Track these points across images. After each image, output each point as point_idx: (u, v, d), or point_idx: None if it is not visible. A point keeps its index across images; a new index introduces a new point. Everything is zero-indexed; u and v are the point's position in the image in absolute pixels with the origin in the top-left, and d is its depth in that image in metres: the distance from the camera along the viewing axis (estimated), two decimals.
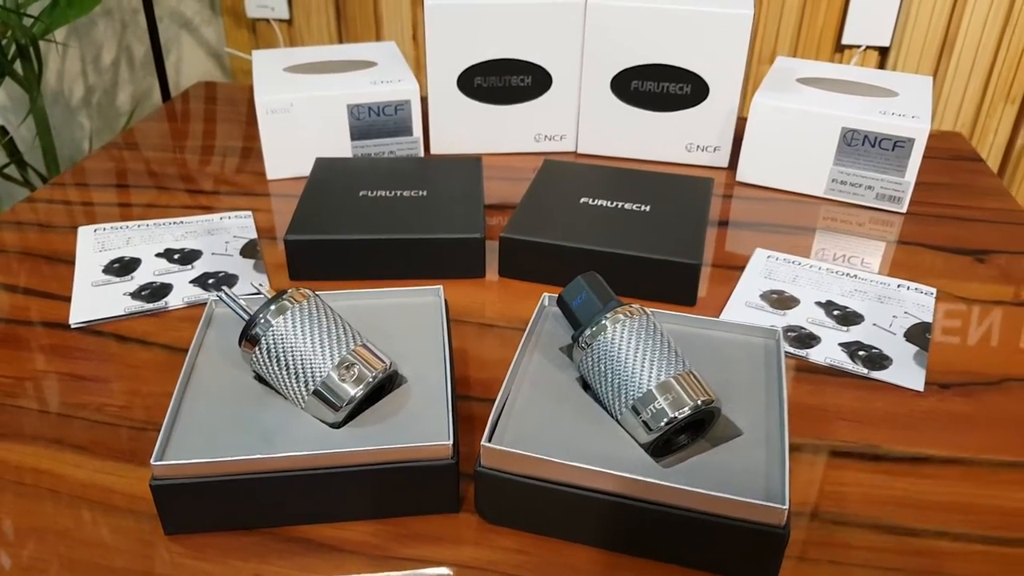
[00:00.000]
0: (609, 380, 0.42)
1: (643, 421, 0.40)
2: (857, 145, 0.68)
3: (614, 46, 0.73)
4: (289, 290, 0.44)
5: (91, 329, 0.55)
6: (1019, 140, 1.20)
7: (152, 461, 0.39)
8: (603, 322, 0.43)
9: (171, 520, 0.40)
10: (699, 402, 0.40)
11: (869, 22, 1.15)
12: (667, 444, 0.41)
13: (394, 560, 0.40)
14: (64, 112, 1.50)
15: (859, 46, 1.18)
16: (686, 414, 0.39)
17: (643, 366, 0.41)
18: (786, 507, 0.36)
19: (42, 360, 0.52)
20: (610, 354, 0.42)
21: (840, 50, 1.20)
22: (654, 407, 0.40)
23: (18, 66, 1.21)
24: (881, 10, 1.13)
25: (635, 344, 0.42)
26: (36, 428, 0.47)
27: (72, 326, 0.55)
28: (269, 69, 0.77)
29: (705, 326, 0.49)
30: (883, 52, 1.18)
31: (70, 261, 0.62)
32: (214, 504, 0.40)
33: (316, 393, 0.41)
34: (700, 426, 0.41)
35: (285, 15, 1.29)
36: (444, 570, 0.39)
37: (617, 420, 0.42)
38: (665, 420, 0.39)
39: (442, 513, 0.41)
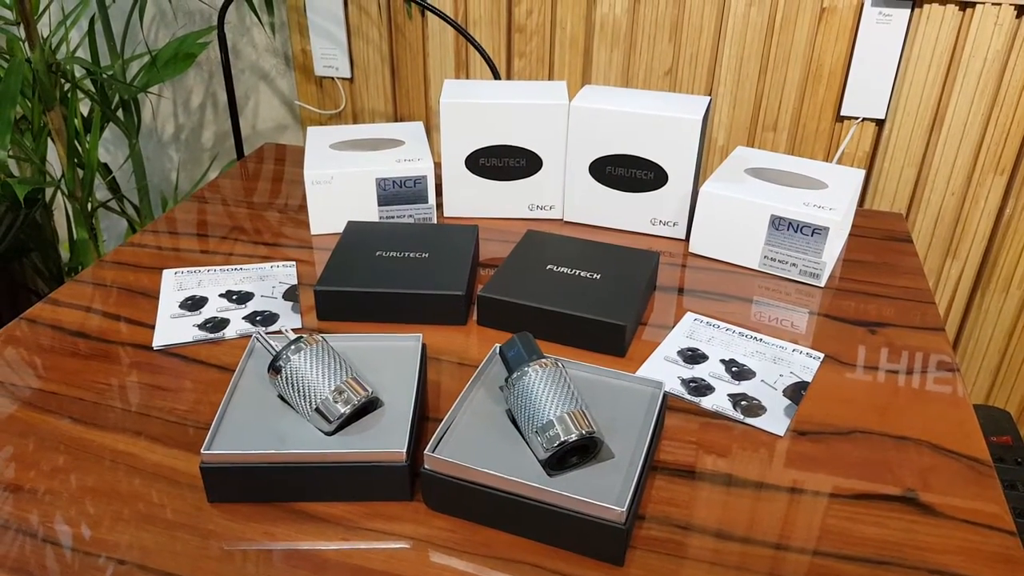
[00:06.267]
0: (523, 411, 0.58)
1: (541, 443, 0.56)
2: (783, 229, 0.83)
3: (592, 139, 0.90)
4: (304, 335, 0.61)
5: (167, 351, 0.74)
6: (1008, 209, 1.31)
7: (202, 450, 0.56)
8: (525, 369, 0.59)
9: (213, 492, 0.58)
10: (584, 432, 0.56)
11: (866, 96, 1.28)
12: (561, 462, 0.57)
13: (363, 530, 0.56)
14: (156, 146, 1.73)
15: (856, 118, 1.31)
16: (572, 439, 0.55)
17: (548, 403, 0.57)
18: (623, 509, 0.51)
19: (131, 372, 0.71)
20: (526, 393, 0.58)
21: (840, 120, 1.33)
22: (550, 433, 0.56)
23: (120, 113, 1.44)
24: (877, 85, 1.26)
25: (544, 387, 0.58)
26: (123, 422, 0.66)
27: (154, 348, 0.74)
28: (318, 145, 0.95)
29: (610, 376, 0.65)
30: (879, 124, 1.31)
31: (155, 296, 0.82)
32: (243, 483, 0.57)
33: (317, 410, 0.59)
34: (587, 450, 0.57)
35: (347, 74, 1.49)
36: (398, 543, 0.56)
37: (526, 442, 0.58)
38: (557, 443, 0.55)
39: (399, 500, 0.58)
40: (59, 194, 1.64)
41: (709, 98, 0.90)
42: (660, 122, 0.86)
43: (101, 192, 1.77)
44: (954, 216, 1.33)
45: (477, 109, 0.90)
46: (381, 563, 0.54)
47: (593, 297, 0.74)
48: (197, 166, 1.72)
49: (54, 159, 1.71)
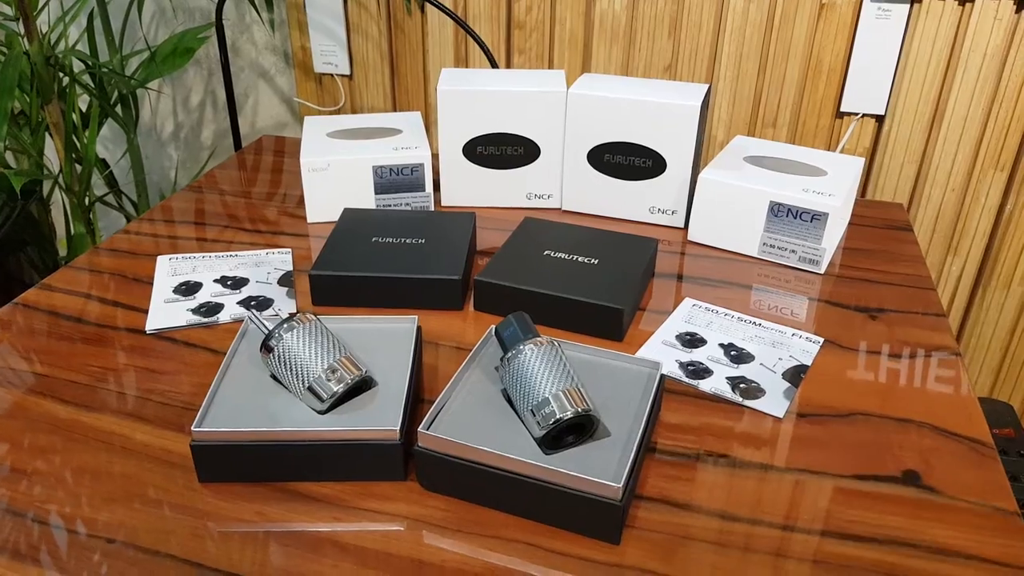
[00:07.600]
0: (519, 389, 0.57)
1: (537, 421, 0.55)
2: (783, 216, 0.82)
3: (590, 126, 0.89)
4: (297, 314, 0.61)
5: (161, 335, 0.73)
6: (1008, 205, 1.30)
7: (192, 427, 0.56)
8: (521, 347, 0.58)
9: (204, 472, 0.57)
10: (579, 410, 0.55)
11: (866, 92, 1.28)
12: (557, 441, 0.56)
13: (357, 510, 0.56)
14: (155, 145, 1.72)
15: (856, 114, 1.31)
16: (568, 417, 0.55)
17: (543, 381, 0.56)
18: (620, 486, 0.51)
19: (124, 356, 0.71)
20: (521, 371, 0.57)
21: (840, 116, 1.32)
22: (546, 410, 0.55)
23: (119, 109, 1.43)
24: (876, 81, 1.26)
25: (540, 365, 0.57)
26: (117, 404, 0.65)
27: (147, 332, 0.74)
28: (316, 134, 0.95)
29: (607, 357, 0.64)
30: (879, 120, 1.30)
31: (149, 282, 0.81)
32: (234, 461, 0.56)
33: (310, 388, 0.58)
34: (583, 429, 0.56)
35: (347, 71, 1.49)
36: (392, 523, 0.55)
37: (522, 420, 0.57)
38: (553, 420, 0.55)
39: (392, 479, 0.57)
40: (56, 189, 1.63)
41: (708, 85, 0.90)
42: (658, 109, 0.86)
43: (99, 188, 1.77)
44: (955, 212, 1.32)
45: (475, 97, 0.90)
46: (374, 543, 0.53)
47: (591, 282, 0.74)
48: (196, 164, 1.71)
49: (52, 154, 1.71)
